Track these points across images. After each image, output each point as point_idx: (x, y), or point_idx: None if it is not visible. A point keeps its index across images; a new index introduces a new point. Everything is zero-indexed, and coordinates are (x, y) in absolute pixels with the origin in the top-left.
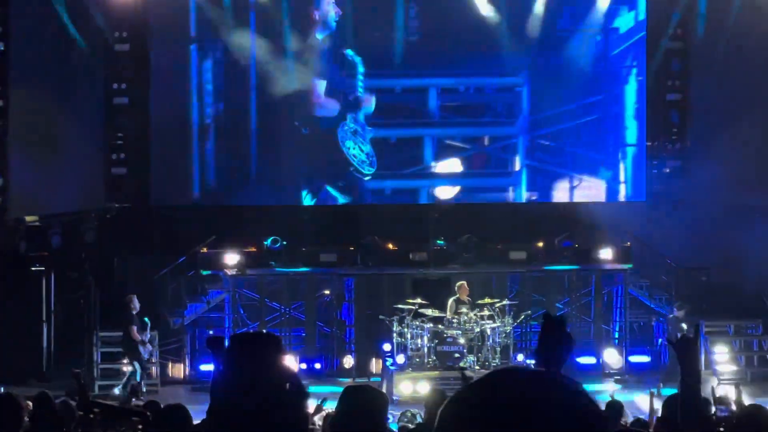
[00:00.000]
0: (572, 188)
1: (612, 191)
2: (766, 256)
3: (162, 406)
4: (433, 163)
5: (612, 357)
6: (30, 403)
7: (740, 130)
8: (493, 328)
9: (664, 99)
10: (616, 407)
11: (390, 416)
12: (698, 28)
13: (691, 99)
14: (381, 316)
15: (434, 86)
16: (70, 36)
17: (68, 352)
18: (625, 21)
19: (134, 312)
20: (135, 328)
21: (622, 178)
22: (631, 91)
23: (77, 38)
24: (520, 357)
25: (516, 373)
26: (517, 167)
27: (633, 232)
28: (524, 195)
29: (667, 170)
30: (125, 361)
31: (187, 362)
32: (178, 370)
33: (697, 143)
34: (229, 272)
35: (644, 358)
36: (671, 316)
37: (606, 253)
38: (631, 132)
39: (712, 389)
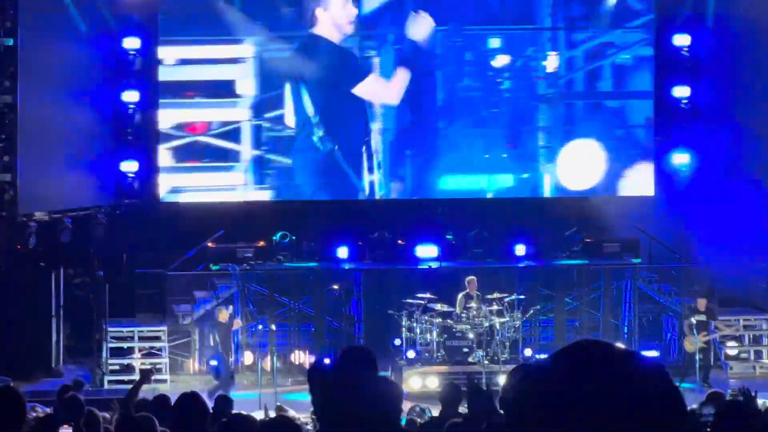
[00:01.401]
0: None
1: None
2: None
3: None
4: None
5: None
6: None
7: (750, 123)
8: (502, 323)
9: (672, 93)
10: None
11: None
12: (708, 21)
13: (701, 93)
14: (390, 311)
15: None
16: (78, 30)
17: (78, 348)
18: None
19: (224, 322)
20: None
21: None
22: None
23: (83, 29)
24: (528, 351)
25: (597, 346)
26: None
27: (642, 227)
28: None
29: (676, 164)
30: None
31: (197, 357)
32: (188, 365)
33: (706, 137)
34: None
35: (653, 353)
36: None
37: (614, 248)
38: None
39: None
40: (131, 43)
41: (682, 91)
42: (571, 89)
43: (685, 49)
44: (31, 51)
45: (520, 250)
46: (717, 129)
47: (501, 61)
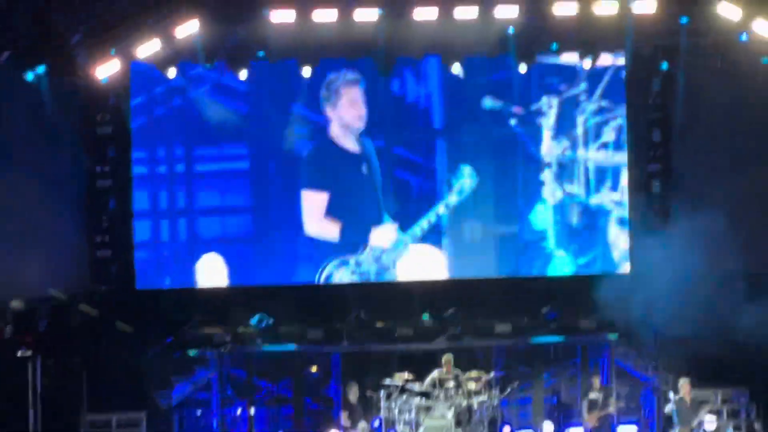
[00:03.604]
0: None
1: None
2: (753, 324)
3: None
4: None
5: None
6: None
7: (722, 198)
8: (480, 402)
9: (645, 170)
10: None
11: None
12: (678, 97)
13: (673, 169)
14: (368, 393)
15: None
16: (50, 116)
17: None
18: None
19: (352, 399)
20: (344, 414)
21: None
22: None
23: (54, 114)
24: (507, 429)
25: None
26: None
27: (617, 303)
28: None
29: (650, 239)
30: None
31: None
32: None
33: (680, 213)
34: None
35: (632, 428)
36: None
37: (591, 324)
38: None
39: None
40: (105, 130)
41: (655, 167)
42: None
43: (657, 126)
44: (3, 140)
45: (497, 328)
46: (693, 204)
47: None
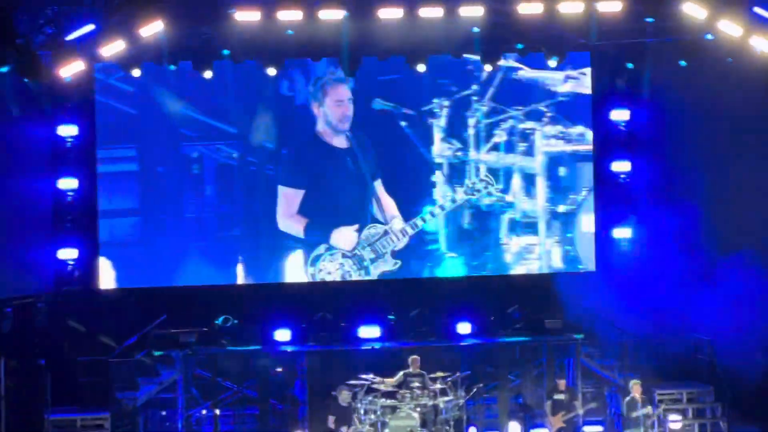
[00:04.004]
0: None
1: None
2: (716, 323)
3: None
4: None
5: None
6: None
7: (688, 195)
8: (446, 402)
9: (610, 170)
10: None
11: None
12: (644, 95)
13: (638, 169)
14: (333, 393)
15: None
16: (11, 115)
17: None
18: None
19: (342, 404)
20: (331, 418)
21: None
22: None
23: (16, 113)
24: (473, 430)
25: None
26: None
27: (584, 303)
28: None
29: (617, 239)
30: None
31: None
32: None
33: (645, 213)
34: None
35: (598, 429)
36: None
37: (556, 324)
38: None
39: None
40: (68, 130)
41: (620, 165)
42: None
43: (623, 124)
44: None
45: (463, 328)
46: (656, 202)
47: None
